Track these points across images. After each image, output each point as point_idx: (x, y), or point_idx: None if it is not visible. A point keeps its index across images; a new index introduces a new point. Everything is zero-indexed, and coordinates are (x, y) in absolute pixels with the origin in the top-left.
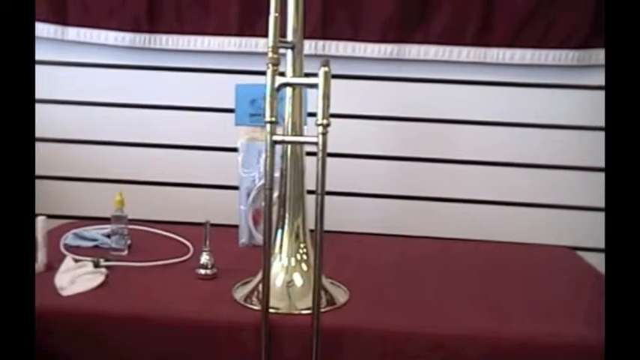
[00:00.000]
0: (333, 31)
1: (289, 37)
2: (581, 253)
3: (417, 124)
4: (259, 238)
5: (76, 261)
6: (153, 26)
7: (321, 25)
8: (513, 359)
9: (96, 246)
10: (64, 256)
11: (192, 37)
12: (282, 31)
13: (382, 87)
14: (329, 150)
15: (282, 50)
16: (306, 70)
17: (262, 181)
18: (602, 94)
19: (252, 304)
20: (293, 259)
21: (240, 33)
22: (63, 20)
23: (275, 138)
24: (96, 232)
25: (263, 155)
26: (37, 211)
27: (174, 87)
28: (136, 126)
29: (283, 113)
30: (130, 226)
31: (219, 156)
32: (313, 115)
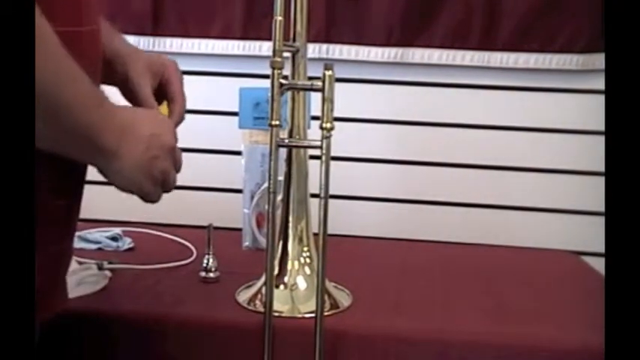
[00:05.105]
0: (336, 35)
1: (293, 41)
2: (585, 258)
3: (420, 128)
4: (263, 242)
5: (80, 263)
6: (157, 29)
7: (324, 29)
8: None
9: (99, 249)
10: None
11: (197, 40)
12: (285, 34)
13: (386, 90)
14: (332, 153)
15: (285, 54)
16: (309, 74)
17: (266, 185)
18: None
19: (255, 307)
20: (296, 263)
21: (244, 36)
22: None
23: (279, 141)
24: (99, 234)
25: (267, 158)
26: None
27: None
28: None
29: (287, 117)
30: (134, 229)
31: (222, 159)
32: (317, 118)
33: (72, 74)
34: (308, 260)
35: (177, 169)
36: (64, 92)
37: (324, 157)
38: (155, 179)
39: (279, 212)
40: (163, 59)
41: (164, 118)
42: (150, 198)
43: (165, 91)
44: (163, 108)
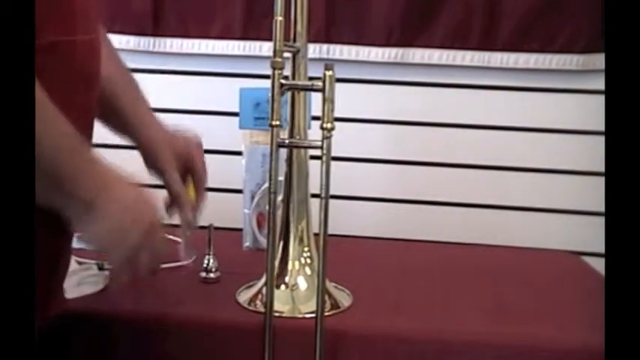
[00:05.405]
0: (336, 35)
1: (293, 41)
2: (585, 258)
3: (420, 128)
4: (263, 242)
5: (80, 263)
6: (157, 30)
7: (324, 29)
8: None
9: None
10: None
11: (197, 41)
12: (286, 34)
13: (385, 91)
14: (333, 154)
15: (286, 54)
16: (310, 74)
17: (266, 185)
18: None
19: (255, 307)
20: (297, 263)
21: (245, 36)
22: None
23: (279, 141)
24: None
25: (267, 159)
26: None
27: (178, 90)
28: None
29: (287, 117)
30: None
31: (223, 159)
32: (317, 118)
33: (53, 119)
34: (308, 260)
35: (154, 255)
36: (43, 136)
37: (324, 158)
38: (122, 250)
39: (279, 212)
40: (185, 137)
41: (152, 199)
42: (114, 268)
43: (190, 170)
44: (190, 189)
